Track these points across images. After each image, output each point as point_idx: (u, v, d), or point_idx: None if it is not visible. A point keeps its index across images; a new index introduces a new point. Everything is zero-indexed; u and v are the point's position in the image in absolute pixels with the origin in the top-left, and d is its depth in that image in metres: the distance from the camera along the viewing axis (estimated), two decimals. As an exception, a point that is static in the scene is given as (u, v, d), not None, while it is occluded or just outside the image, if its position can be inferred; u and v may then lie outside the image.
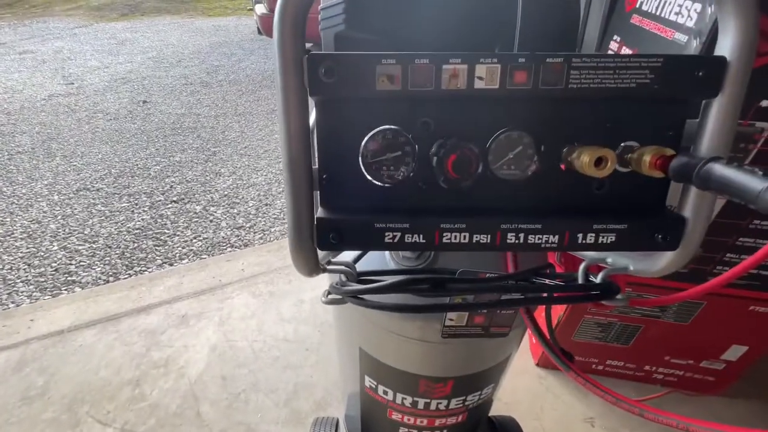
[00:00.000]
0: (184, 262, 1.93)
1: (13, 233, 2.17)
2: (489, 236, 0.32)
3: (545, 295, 0.40)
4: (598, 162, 0.29)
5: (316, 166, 0.33)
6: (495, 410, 1.15)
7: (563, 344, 1.29)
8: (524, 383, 1.32)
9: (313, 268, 0.35)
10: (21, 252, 2.03)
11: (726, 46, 0.29)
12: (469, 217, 0.32)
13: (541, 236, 0.32)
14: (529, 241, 0.32)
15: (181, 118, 3.62)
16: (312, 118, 0.33)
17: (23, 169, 2.82)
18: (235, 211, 2.33)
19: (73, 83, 4.50)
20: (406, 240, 0.32)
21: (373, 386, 0.65)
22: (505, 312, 0.48)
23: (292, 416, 1.21)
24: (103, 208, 2.37)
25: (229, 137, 3.29)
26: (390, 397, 0.65)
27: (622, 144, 0.32)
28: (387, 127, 0.31)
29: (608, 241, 0.33)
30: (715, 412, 1.25)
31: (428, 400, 0.62)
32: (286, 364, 1.37)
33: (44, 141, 3.22)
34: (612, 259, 0.38)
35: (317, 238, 0.32)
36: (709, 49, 0.67)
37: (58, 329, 1.51)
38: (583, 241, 0.33)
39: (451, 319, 0.49)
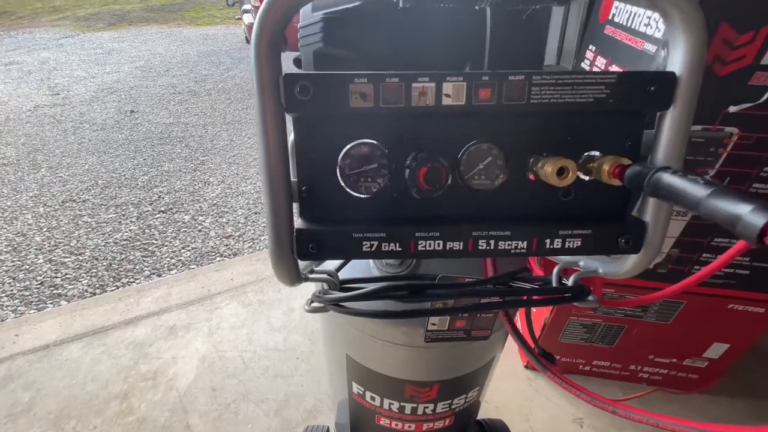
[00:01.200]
0: (172, 272, 1.91)
1: (-4, 246, 2.13)
2: (461, 243, 0.34)
3: (522, 298, 0.41)
4: (561, 172, 0.31)
5: (295, 179, 0.34)
6: (484, 413, 1.16)
7: (550, 346, 1.30)
8: (513, 386, 1.33)
9: (294, 277, 0.36)
10: (6, 266, 1.99)
11: (676, 62, 0.32)
12: (442, 225, 0.33)
13: (510, 242, 0.34)
14: (499, 248, 0.34)
15: (169, 128, 3.61)
16: (290, 135, 0.35)
17: (8, 181, 2.78)
18: (224, 220, 2.32)
19: (59, 94, 4.45)
20: (383, 248, 0.34)
21: (361, 392, 0.66)
22: (485, 315, 0.49)
23: (282, 426, 1.21)
24: (89, 220, 2.35)
25: (217, 146, 3.28)
26: (377, 402, 0.65)
27: (585, 153, 0.34)
28: (362, 141, 0.33)
29: (574, 246, 0.35)
30: (700, 409, 1.27)
31: (415, 405, 0.63)
32: (277, 373, 1.36)
33: (29, 152, 3.18)
34: (583, 262, 0.40)
35: (297, 249, 0.34)
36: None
37: (44, 344, 1.49)
38: (551, 246, 0.35)
39: (433, 324, 0.50)
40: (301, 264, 0.38)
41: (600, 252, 0.36)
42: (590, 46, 1.04)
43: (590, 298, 0.41)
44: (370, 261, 0.52)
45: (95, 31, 7.74)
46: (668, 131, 0.32)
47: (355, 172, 0.33)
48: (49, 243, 2.15)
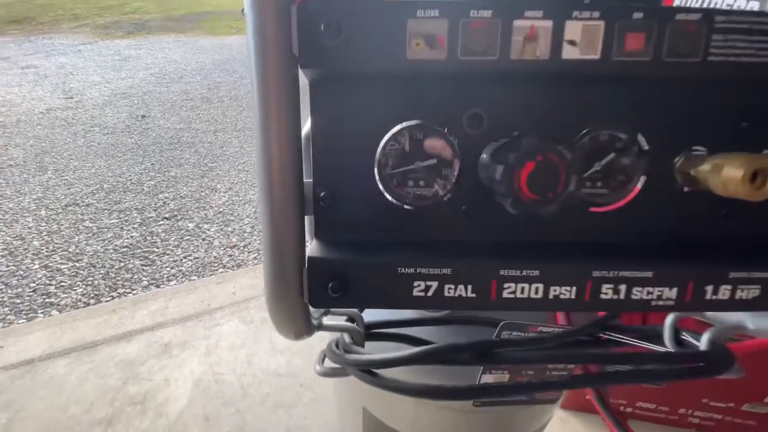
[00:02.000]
0: (171, 283, 1.80)
1: (-7, 250, 2.05)
2: (574, 289, 0.21)
3: (625, 369, 0.28)
4: (754, 177, 0.18)
5: (310, 180, 0.22)
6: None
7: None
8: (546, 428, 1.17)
9: (302, 327, 0.24)
10: (0, 270, 1.91)
11: None
12: (544, 260, 0.21)
13: (652, 290, 0.21)
14: (633, 297, 0.21)
15: (180, 133, 3.56)
16: (306, 124, 0.23)
17: (12, 183, 2.73)
18: (230, 228, 2.22)
19: (72, 97, 4.47)
20: (446, 293, 0.21)
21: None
22: (558, 373, 0.36)
23: (282, 465, 1.07)
24: (91, 225, 2.26)
25: (227, 152, 3.21)
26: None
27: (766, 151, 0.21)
28: (418, 122, 0.21)
29: (750, 297, 0.22)
30: (761, 463, 1.11)
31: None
32: (278, 402, 1.23)
33: (37, 154, 3.14)
34: (752, 322, 0.27)
35: (309, 290, 0.21)
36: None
37: (29, 358, 1.37)
38: (714, 297, 0.22)
39: (487, 381, 0.37)
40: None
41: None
42: None
43: (735, 366, 0.28)
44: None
45: (114, 39, 7.88)
46: None
47: (404, 170, 0.21)
48: (47, 248, 2.07)
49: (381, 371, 0.26)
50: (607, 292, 0.21)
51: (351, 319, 0.29)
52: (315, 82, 0.21)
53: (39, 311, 1.67)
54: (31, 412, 1.21)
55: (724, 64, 0.19)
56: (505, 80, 0.20)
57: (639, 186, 0.21)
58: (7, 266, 1.94)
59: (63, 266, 1.92)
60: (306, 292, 0.21)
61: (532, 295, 0.21)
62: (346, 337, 0.28)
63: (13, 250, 2.06)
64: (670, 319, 0.31)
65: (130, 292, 1.75)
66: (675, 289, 0.21)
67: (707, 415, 1.13)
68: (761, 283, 0.22)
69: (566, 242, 0.22)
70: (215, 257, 1.98)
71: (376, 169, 0.21)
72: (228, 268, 1.91)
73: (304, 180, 0.21)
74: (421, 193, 0.21)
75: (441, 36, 0.18)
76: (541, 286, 0.21)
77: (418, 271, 0.21)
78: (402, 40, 0.18)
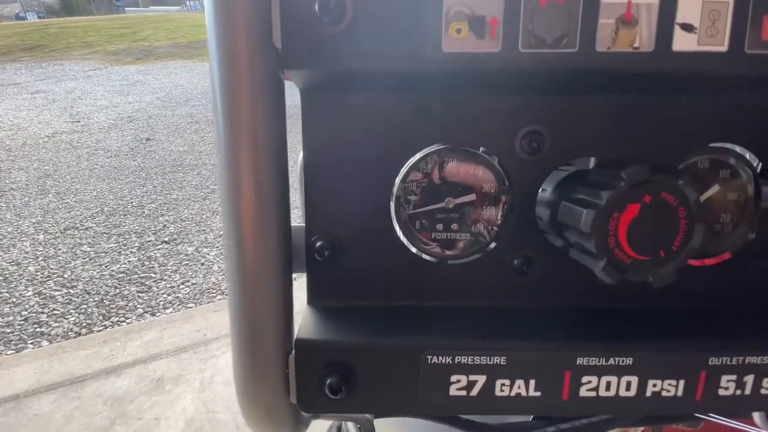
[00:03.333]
0: (168, 311, 1.73)
1: (-13, 276, 2.00)
2: (681, 383, 0.14)
3: None
4: None
5: (301, 224, 0.16)
6: None
7: None
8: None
9: (290, 429, 0.17)
10: (-8, 298, 1.84)
11: None
12: (636, 342, 0.14)
13: None
14: (763, 391, 0.15)
15: (183, 156, 3.56)
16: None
17: (13, 207, 2.71)
18: (230, 253, 2.16)
19: (79, 121, 4.52)
20: (498, 391, 0.15)
21: None
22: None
23: None
24: (88, 249, 2.21)
25: (230, 175, 3.20)
26: None
27: None
28: (449, 145, 0.15)
29: None
30: None
31: None
32: (276, 443, 1.13)
33: (40, 177, 3.14)
34: None
35: (297, 387, 0.15)
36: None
37: (14, 393, 1.30)
38: None
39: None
40: None
41: None
42: None
43: None
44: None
45: (123, 65, 8.10)
46: None
47: (431, 209, 0.15)
48: (42, 274, 2.01)
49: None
50: (728, 386, 0.14)
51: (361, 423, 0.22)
52: (307, 89, 0.15)
53: (29, 341, 1.59)
54: (10, 456, 1.12)
55: None
56: (585, 83, 0.14)
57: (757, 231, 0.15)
58: (0, 293, 1.88)
59: (57, 293, 1.86)
60: (293, 391, 0.15)
61: (622, 393, 0.14)
62: (352, 428, 0.21)
63: (7, 276, 2.00)
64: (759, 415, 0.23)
65: (124, 321, 1.68)
66: None
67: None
68: None
69: (660, 310, 0.16)
70: (214, 283, 1.91)
71: (393, 208, 0.15)
72: (226, 295, 1.83)
73: (293, 224, 0.15)
74: (455, 240, 0.15)
75: (494, 18, 0.12)
76: (635, 379, 0.14)
77: (457, 360, 0.14)
78: (436, 26, 0.12)
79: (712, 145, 0.14)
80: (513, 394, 0.14)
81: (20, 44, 10.79)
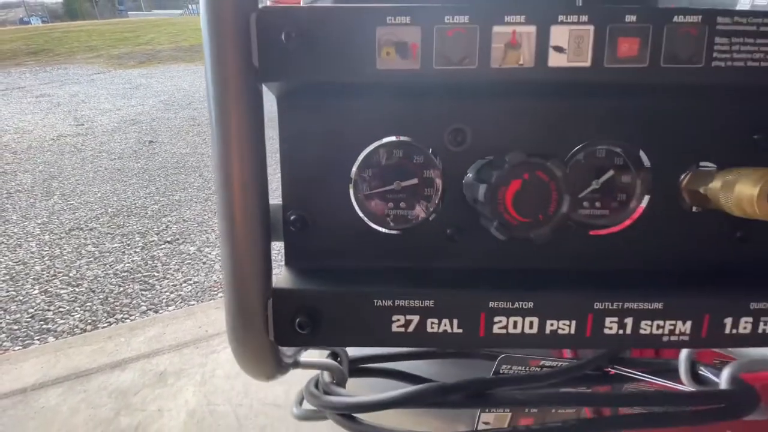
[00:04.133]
0: (170, 308, 1.78)
1: (-5, 275, 2.05)
2: (573, 323, 0.19)
3: (638, 412, 0.25)
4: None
5: (279, 203, 0.20)
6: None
7: None
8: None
9: (271, 367, 0.21)
10: (0, 296, 1.89)
11: None
12: (539, 290, 0.18)
13: (663, 323, 0.19)
14: (642, 331, 0.19)
15: (185, 158, 3.62)
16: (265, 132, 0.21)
17: (19, 208, 2.76)
18: (231, 252, 2.21)
19: (83, 124, 4.59)
20: (429, 328, 0.19)
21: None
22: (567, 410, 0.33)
23: (277, 504, 1.00)
24: (93, 249, 2.26)
25: (231, 176, 3.25)
26: None
27: (782, 166, 0.19)
28: (394, 138, 0.19)
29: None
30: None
31: None
32: (275, 434, 1.17)
33: (45, 180, 3.19)
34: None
35: (274, 326, 0.19)
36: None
37: (21, 387, 1.34)
38: (734, 331, 0.19)
39: (486, 423, 0.34)
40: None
41: None
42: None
43: (761, 406, 0.25)
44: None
45: (126, 69, 8.18)
46: None
47: (381, 191, 0.19)
48: (48, 273, 2.06)
49: (362, 416, 0.24)
50: (611, 326, 0.19)
51: (335, 354, 0.26)
52: (281, 96, 0.19)
53: (35, 338, 1.64)
54: (19, 446, 1.16)
55: (730, 70, 0.17)
56: (489, 91, 0.18)
57: (642, 206, 0.19)
58: (8, 291, 1.93)
59: (62, 291, 1.91)
60: (271, 330, 0.19)
61: (527, 330, 0.19)
62: (326, 376, 0.25)
63: (14, 275, 2.05)
64: (685, 352, 0.28)
65: (128, 318, 1.72)
66: (689, 323, 0.19)
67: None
68: None
69: (564, 270, 0.20)
70: (215, 281, 1.95)
71: (351, 190, 0.19)
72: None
73: (271, 202, 0.20)
74: (401, 215, 0.19)
75: (414, 44, 0.17)
76: (536, 319, 0.18)
77: (397, 303, 0.18)
78: (371, 49, 0.17)
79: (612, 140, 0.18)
80: (440, 330, 0.19)
81: (25, 48, 10.89)
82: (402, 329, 0.19)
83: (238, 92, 0.17)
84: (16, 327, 1.70)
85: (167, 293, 1.87)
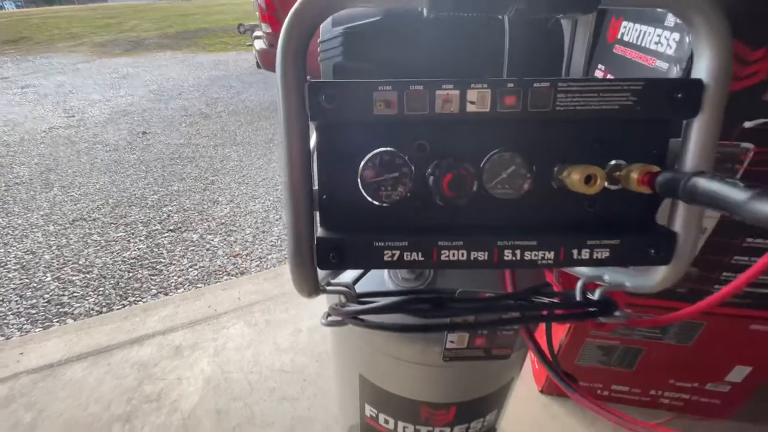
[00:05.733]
0: (179, 291, 1.90)
1: (6, 264, 2.15)
2: (486, 253, 0.33)
3: (544, 313, 0.40)
4: (588, 179, 0.31)
5: (316, 188, 0.34)
6: (499, 440, 1.11)
7: (567, 369, 1.26)
8: (529, 411, 1.28)
9: (312, 288, 0.35)
10: (14, 283, 2.00)
11: (702, 69, 0.31)
12: (466, 235, 0.33)
13: (537, 253, 0.33)
14: (525, 258, 0.33)
15: (180, 149, 3.67)
16: (312, 141, 0.35)
17: (20, 200, 2.82)
18: (233, 239, 2.33)
19: (74, 116, 4.57)
20: (405, 258, 0.33)
21: (374, 415, 0.64)
22: (506, 333, 0.48)
23: (289, 451, 1.16)
24: (98, 238, 2.36)
25: (227, 166, 3.32)
26: (391, 426, 0.63)
27: (611, 162, 0.33)
28: (384, 149, 0.32)
29: (603, 257, 0.34)
30: (724, 437, 1.21)
31: (431, 429, 0.61)
32: (283, 396, 1.33)
33: (42, 172, 3.23)
34: (608, 276, 0.39)
35: (317, 258, 0.33)
36: (690, 74, 0.71)
37: (48, 363, 1.46)
38: (579, 257, 0.33)
39: (452, 342, 0.49)
40: (319, 275, 0.37)
41: (629, 263, 0.35)
42: (599, 66, 1.05)
43: (617, 313, 0.40)
44: (385, 274, 0.51)
45: (111, 57, 8.02)
46: (697, 139, 0.32)
47: (377, 180, 0.33)
48: (58, 261, 2.16)
49: (367, 318, 0.38)
50: (508, 255, 0.33)
51: (347, 287, 0.40)
52: (319, 128, 0.32)
53: (54, 320, 1.76)
54: (53, 412, 1.30)
55: (567, 112, 0.31)
56: (437, 124, 0.32)
57: (530, 187, 0.33)
58: (21, 279, 2.03)
59: (74, 278, 2.02)
60: (315, 260, 0.33)
61: (460, 258, 0.32)
62: (342, 299, 0.39)
63: (25, 263, 2.15)
64: (579, 283, 0.42)
65: (140, 300, 1.85)
66: (552, 252, 0.33)
67: (676, 395, 1.24)
68: (610, 247, 0.33)
69: (481, 223, 0.34)
70: (219, 266, 2.08)
71: (359, 179, 0.33)
72: (232, 275, 2.01)
73: (313, 189, 0.33)
74: (388, 194, 0.33)
75: (393, 100, 0.30)
76: (465, 251, 0.32)
77: (386, 244, 0.32)
78: (371, 103, 0.30)
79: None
80: (411, 259, 0.32)
81: (2, 36, 10.54)
82: (390, 259, 0.32)
83: (298, 127, 0.30)
84: (33, 311, 1.82)
85: (175, 277, 2.00)
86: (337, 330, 0.57)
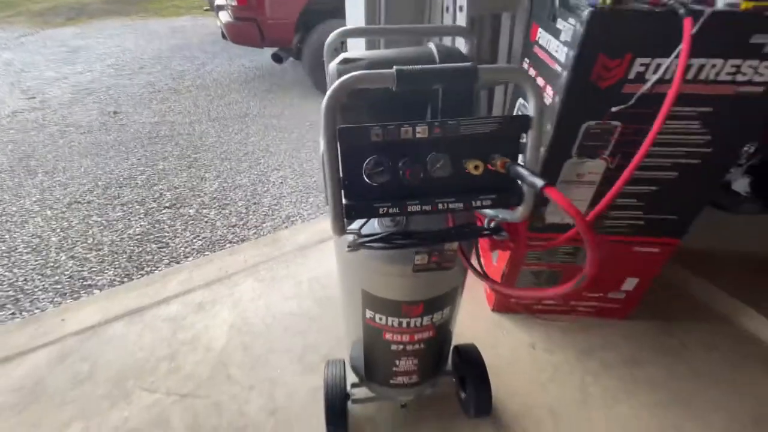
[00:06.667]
0: (189, 259, 2.17)
1: (16, 248, 2.32)
2: (430, 206, 0.65)
3: (466, 232, 0.74)
4: (476, 167, 0.63)
5: (342, 176, 0.64)
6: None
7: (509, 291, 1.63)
8: (483, 325, 1.69)
9: (342, 230, 0.67)
10: (30, 265, 2.19)
11: (530, 109, 0.63)
12: (420, 197, 0.65)
13: (455, 204, 0.66)
14: (449, 207, 0.66)
15: (156, 127, 3.74)
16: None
17: (7, 188, 2.89)
18: (227, 211, 2.57)
19: (34, 97, 4.45)
20: (390, 211, 0.65)
21: (372, 316, 0.98)
22: (449, 252, 0.82)
23: (305, 368, 1.53)
24: (99, 219, 2.54)
25: (207, 143, 3.47)
26: (384, 322, 0.98)
27: (492, 155, 0.66)
28: (376, 156, 0.63)
29: (488, 204, 0.67)
30: (624, 331, 1.67)
31: (408, 319, 0.96)
32: (295, 332, 1.68)
33: (21, 159, 3.27)
34: (499, 214, 0.73)
35: (345, 214, 0.64)
36: (571, 80, 1.03)
37: (89, 325, 1.73)
38: (476, 204, 0.67)
39: (417, 260, 0.82)
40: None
41: (502, 206, 0.68)
42: (525, 59, 1.36)
43: (503, 233, 0.74)
44: (376, 224, 0.83)
45: (55, 27, 7.47)
46: (530, 144, 0.64)
47: (372, 172, 0.64)
48: (67, 242, 2.35)
49: (369, 243, 0.71)
50: (441, 206, 0.65)
51: (359, 229, 0.72)
52: (343, 147, 0.62)
53: (81, 292, 2.00)
54: (105, 361, 1.59)
55: (466, 134, 0.62)
56: (401, 144, 0.62)
57: (451, 172, 0.65)
58: (36, 260, 2.22)
59: (88, 255, 2.24)
60: (344, 215, 0.64)
61: (418, 209, 0.64)
62: (355, 237, 0.71)
63: (35, 246, 2.33)
64: (486, 220, 0.76)
65: (156, 270, 2.11)
66: (462, 203, 0.65)
67: (588, 303, 1.68)
68: (491, 199, 0.66)
69: (428, 192, 0.66)
70: (221, 235, 2.34)
71: (364, 172, 0.63)
72: (234, 243, 2.29)
73: (340, 176, 0.63)
74: (379, 179, 0.63)
75: (380, 133, 0.59)
76: (420, 206, 0.64)
77: (379, 205, 0.63)
78: (369, 135, 0.59)
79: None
80: (392, 212, 0.64)
81: None
82: (382, 212, 0.64)
83: (333, 147, 0.59)
84: (59, 286, 2.05)
85: (182, 248, 2.26)
86: (348, 263, 0.89)
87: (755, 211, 2.28)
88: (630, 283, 1.57)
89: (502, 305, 1.72)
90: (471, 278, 0.97)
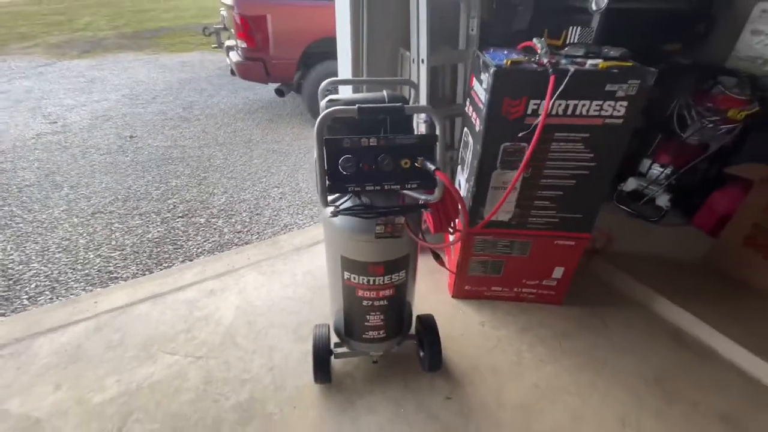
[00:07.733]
0: (201, 257, 2.55)
1: (49, 248, 2.68)
2: (381, 187, 1.08)
3: (406, 208, 1.16)
4: (406, 164, 1.06)
5: (326, 168, 1.06)
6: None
7: (462, 279, 2.04)
8: (444, 308, 2.08)
9: (326, 203, 1.09)
10: (63, 261, 2.55)
11: (438, 129, 1.08)
12: (375, 182, 1.07)
13: (394, 186, 1.08)
14: (392, 188, 1.09)
15: (169, 150, 4.19)
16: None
17: (36, 199, 3.28)
18: (233, 221, 2.98)
19: (56, 122, 4.90)
20: (354, 189, 1.07)
21: (348, 277, 1.38)
22: (398, 223, 1.23)
23: (298, 338, 1.89)
24: (120, 226, 2.93)
25: (214, 164, 3.91)
26: (356, 280, 1.38)
27: (418, 157, 1.09)
28: (347, 155, 1.06)
29: (415, 187, 1.10)
30: (557, 314, 2.07)
31: (374, 278, 1.36)
32: (291, 311, 2.05)
33: (47, 175, 3.67)
34: (425, 196, 1.15)
35: (328, 190, 1.07)
36: (487, 114, 1.50)
37: (119, 305, 2.09)
38: (407, 188, 1.09)
39: (378, 230, 1.24)
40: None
41: (424, 189, 1.11)
42: (467, 99, 1.84)
43: (428, 209, 1.17)
44: (349, 202, 1.24)
45: (71, 59, 8.04)
46: (438, 150, 1.08)
47: (344, 165, 1.06)
48: (93, 244, 2.72)
49: (343, 212, 1.12)
50: (387, 187, 1.06)
51: (336, 201, 1.13)
52: (327, 150, 1.04)
53: (109, 283, 2.36)
54: (135, 332, 1.94)
55: (401, 143, 1.04)
56: (363, 148, 1.05)
57: (393, 166, 1.07)
58: (68, 258, 2.59)
59: (113, 254, 2.60)
60: (327, 191, 1.05)
61: (373, 190, 1.06)
62: (335, 206, 1.13)
63: (65, 247, 2.69)
64: (420, 200, 1.19)
65: (173, 266, 2.48)
66: (399, 186, 1.07)
67: (528, 290, 2.08)
68: (417, 184, 1.08)
69: (380, 178, 1.08)
70: (228, 239, 2.73)
71: (339, 165, 1.04)
72: (239, 245, 2.68)
73: (324, 168, 1.04)
74: (348, 170, 1.05)
75: (348, 142, 1.02)
76: (374, 186, 1.05)
77: (350, 185, 1.04)
78: (341, 144, 1.03)
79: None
80: (357, 190, 1.06)
81: (-59, 36, 10.05)
82: (352, 190, 1.06)
83: (320, 150, 1.01)
84: (89, 277, 2.41)
85: (195, 249, 2.64)
86: (331, 236, 1.31)
87: (674, 223, 2.78)
88: (558, 272, 1.98)
89: (461, 292, 2.11)
90: (438, 271, 1.38)
